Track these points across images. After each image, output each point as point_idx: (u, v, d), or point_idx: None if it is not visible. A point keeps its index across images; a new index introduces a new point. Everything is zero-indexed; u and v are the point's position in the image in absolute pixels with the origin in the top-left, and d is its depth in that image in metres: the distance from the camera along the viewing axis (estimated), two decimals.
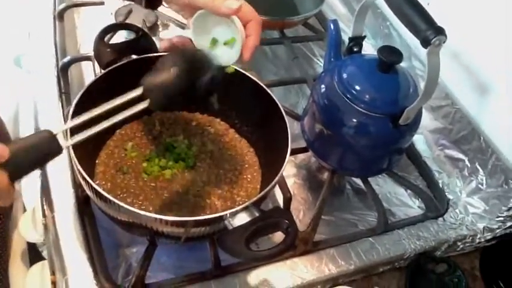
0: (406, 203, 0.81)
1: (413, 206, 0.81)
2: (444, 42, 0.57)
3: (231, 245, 0.50)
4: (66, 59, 0.83)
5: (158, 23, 0.98)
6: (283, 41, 0.96)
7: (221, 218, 0.53)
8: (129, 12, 0.93)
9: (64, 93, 0.79)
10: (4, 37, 0.90)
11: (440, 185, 0.81)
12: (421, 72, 0.87)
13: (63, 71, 0.82)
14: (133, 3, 0.92)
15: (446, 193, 0.81)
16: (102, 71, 0.65)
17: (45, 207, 0.72)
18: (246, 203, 0.54)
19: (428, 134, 0.86)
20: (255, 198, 0.55)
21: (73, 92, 0.82)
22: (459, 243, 0.75)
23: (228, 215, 0.53)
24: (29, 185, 0.82)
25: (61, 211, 0.66)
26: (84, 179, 0.54)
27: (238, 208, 0.54)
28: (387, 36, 0.94)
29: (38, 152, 0.46)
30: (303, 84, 0.92)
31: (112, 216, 0.59)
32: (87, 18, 0.97)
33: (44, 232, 0.73)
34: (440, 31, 0.57)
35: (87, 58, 0.83)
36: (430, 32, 0.57)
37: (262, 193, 0.56)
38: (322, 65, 1.01)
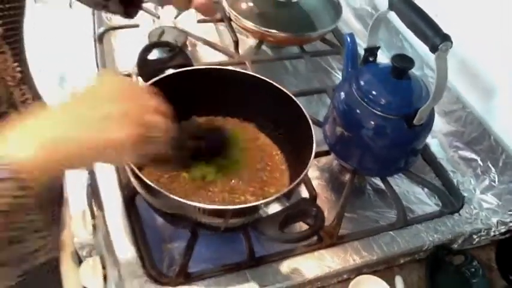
0: (423, 201, 0.87)
1: (431, 204, 0.86)
2: (450, 47, 0.64)
3: (267, 230, 0.57)
4: None
5: (187, 42, 1.07)
6: (303, 55, 1.04)
7: (256, 208, 0.60)
8: (162, 33, 1.02)
9: None
10: (50, 58, 0.99)
11: (455, 184, 0.87)
12: (433, 79, 0.93)
13: None
14: (163, 24, 1.03)
15: (461, 191, 0.86)
16: (145, 84, 0.74)
17: (94, 208, 0.79)
18: (277, 194, 0.61)
19: (442, 137, 0.92)
20: (285, 190, 0.62)
21: None
22: (475, 236, 0.80)
23: (262, 204, 0.60)
24: (74, 194, 0.90)
25: (110, 210, 0.73)
26: (135, 175, 0.61)
27: (270, 198, 0.60)
28: (400, 48, 1.01)
29: None
30: (323, 94, 0.99)
31: (159, 208, 0.66)
32: (123, 40, 1.06)
33: (93, 232, 0.80)
34: (446, 37, 0.64)
35: (127, 75, 0.91)
36: (437, 39, 0.64)
37: (292, 185, 0.62)
38: (339, 76, 1.09)
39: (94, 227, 0.81)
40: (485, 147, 0.85)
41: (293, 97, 0.73)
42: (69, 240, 0.83)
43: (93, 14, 1.07)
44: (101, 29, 1.02)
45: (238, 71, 0.77)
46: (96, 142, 0.49)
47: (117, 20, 1.09)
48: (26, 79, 0.68)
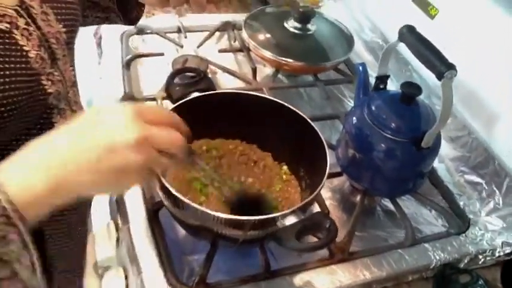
0: (431, 222, 0.91)
1: (437, 225, 0.90)
2: (455, 75, 0.70)
3: (285, 240, 0.61)
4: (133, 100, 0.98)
5: (208, 70, 1.14)
6: (317, 83, 1.10)
7: (274, 219, 0.65)
8: (185, 61, 1.09)
9: None
10: (80, 83, 1.06)
11: (462, 206, 0.91)
12: (439, 107, 0.97)
13: None
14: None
15: (467, 213, 0.90)
16: (172, 105, 0.80)
17: (118, 221, 0.84)
18: (293, 208, 0.65)
19: (449, 162, 0.97)
20: (300, 204, 0.66)
21: None
22: (480, 257, 0.84)
23: (279, 216, 0.65)
24: (98, 208, 0.95)
25: (135, 223, 0.78)
26: (163, 186, 0.66)
27: (287, 211, 0.65)
28: (409, 78, 1.07)
29: None
30: (335, 120, 1.05)
31: (182, 220, 0.71)
32: (148, 67, 1.13)
33: (116, 245, 0.85)
34: (451, 66, 0.69)
35: (153, 99, 0.97)
36: (443, 67, 0.69)
37: (308, 199, 0.67)
38: (351, 104, 1.15)
39: (117, 239, 0.85)
40: (489, 171, 0.89)
41: (309, 120, 0.79)
42: (92, 252, 0.88)
43: (121, 42, 1.15)
44: (128, 57, 1.09)
45: (258, 95, 0.83)
46: (102, 189, 0.52)
47: (143, 48, 1.17)
48: (76, 82, 0.75)
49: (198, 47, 1.16)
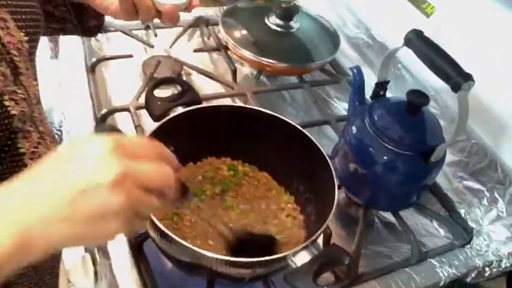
0: (432, 233, 0.86)
1: (440, 236, 0.86)
2: (472, 86, 0.64)
3: (300, 283, 0.54)
4: (104, 111, 0.87)
5: (182, 72, 1.04)
6: (303, 85, 1.02)
7: (285, 258, 0.57)
8: (158, 64, 0.98)
9: None
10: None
11: (463, 215, 0.87)
12: (435, 110, 0.93)
13: (101, 122, 0.86)
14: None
15: (469, 222, 0.86)
16: (151, 124, 0.70)
17: (96, 255, 0.75)
18: (306, 242, 0.58)
19: (445, 167, 0.92)
20: (313, 238, 0.59)
21: None
22: (487, 269, 0.80)
23: (291, 254, 0.57)
24: None
25: (117, 259, 0.69)
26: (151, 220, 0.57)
27: (299, 248, 0.58)
28: (399, 77, 1.01)
29: None
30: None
31: (172, 256, 0.62)
32: (116, 71, 1.02)
33: (95, 279, 0.75)
34: (469, 77, 0.63)
35: (126, 109, 0.87)
36: (460, 79, 0.63)
37: (320, 230, 0.60)
38: (338, 105, 1.08)
39: (96, 274, 0.76)
40: (491, 178, 0.85)
41: (312, 139, 0.71)
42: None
43: (83, 42, 1.03)
44: (93, 60, 0.98)
45: (250, 108, 0.75)
46: (79, 241, 0.42)
47: (109, 48, 1.05)
48: (40, 98, 0.65)
49: (171, 46, 1.06)
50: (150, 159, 0.44)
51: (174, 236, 0.56)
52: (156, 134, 0.67)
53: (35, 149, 0.57)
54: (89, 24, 0.73)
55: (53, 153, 0.43)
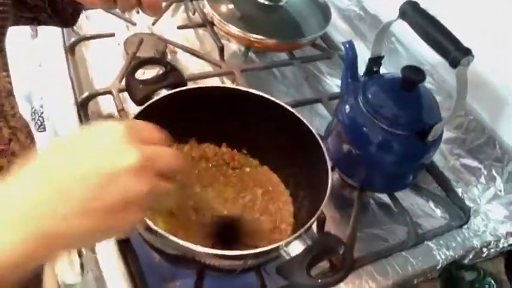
0: (428, 214, 0.84)
1: (436, 216, 0.84)
2: (472, 61, 0.60)
3: (293, 275, 0.51)
4: (85, 95, 0.82)
5: (167, 50, 0.99)
6: (293, 62, 0.98)
7: (277, 249, 0.54)
8: (140, 42, 0.93)
9: None
10: (14, 73, 0.89)
11: (460, 194, 0.84)
12: (431, 85, 0.90)
13: (83, 107, 0.82)
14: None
15: (466, 202, 0.83)
16: (134, 108, 0.66)
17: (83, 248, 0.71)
18: (299, 232, 0.55)
19: (442, 144, 0.88)
20: (306, 226, 0.56)
21: None
22: (485, 250, 0.78)
23: (283, 244, 0.54)
24: None
25: (103, 251, 0.66)
26: None
27: (291, 238, 0.55)
28: (394, 51, 0.97)
29: None
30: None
31: (159, 249, 0.60)
32: (97, 51, 0.97)
33: (81, 272, 0.73)
34: (468, 52, 0.60)
35: (108, 92, 0.82)
36: (458, 53, 0.59)
37: (313, 219, 0.57)
38: (329, 82, 1.04)
39: (82, 266, 0.73)
40: (489, 156, 0.82)
41: (302, 119, 0.67)
42: (53, 282, 0.75)
43: None
44: (72, 40, 0.92)
45: (236, 89, 0.71)
46: (96, 237, 0.40)
47: (88, 27, 1.00)
48: (13, 91, 0.60)
49: (154, 23, 1.01)
50: (159, 142, 0.42)
51: (160, 230, 0.53)
52: (139, 119, 0.63)
53: (5, 146, 0.53)
54: (65, 13, 0.67)
55: (57, 145, 0.40)
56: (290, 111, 0.69)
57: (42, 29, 0.96)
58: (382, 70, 0.79)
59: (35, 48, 0.94)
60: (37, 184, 0.36)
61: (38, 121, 1.00)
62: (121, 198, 0.37)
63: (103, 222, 0.37)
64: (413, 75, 0.68)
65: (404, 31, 0.69)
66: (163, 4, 1.05)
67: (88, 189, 0.36)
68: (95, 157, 0.38)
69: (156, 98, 0.65)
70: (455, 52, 0.60)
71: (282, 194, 0.71)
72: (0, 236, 0.34)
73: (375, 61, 0.76)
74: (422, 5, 0.67)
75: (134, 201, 0.38)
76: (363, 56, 0.79)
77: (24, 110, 0.97)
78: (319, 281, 0.50)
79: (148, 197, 0.39)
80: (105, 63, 0.94)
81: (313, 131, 0.67)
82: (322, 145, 0.65)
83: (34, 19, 0.65)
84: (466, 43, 0.62)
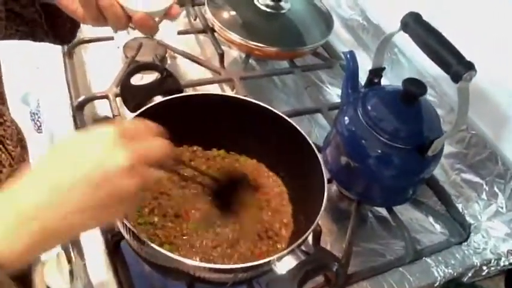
0: (428, 229, 0.82)
1: (436, 232, 0.82)
2: (474, 76, 0.59)
3: None
4: (81, 98, 0.81)
5: (167, 55, 0.98)
6: (294, 70, 0.97)
7: (268, 263, 0.53)
8: (140, 47, 0.92)
9: None
10: (12, 75, 0.88)
11: (461, 210, 0.82)
12: (432, 98, 0.88)
13: (78, 110, 0.81)
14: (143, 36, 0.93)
15: (466, 217, 0.81)
16: (130, 114, 0.65)
17: (72, 254, 0.70)
18: (291, 247, 0.54)
19: (443, 158, 0.86)
20: (299, 241, 0.55)
21: None
22: (484, 268, 0.76)
23: (275, 259, 0.53)
24: None
25: (92, 259, 0.64)
26: (123, 223, 0.53)
27: (284, 252, 0.53)
28: (396, 63, 0.96)
29: None
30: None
31: (149, 260, 0.58)
32: (94, 53, 0.96)
33: (70, 279, 0.71)
34: (470, 66, 0.58)
35: (105, 97, 0.81)
36: (460, 68, 0.58)
37: (306, 234, 0.56)
38: (330, 91, 1.03)
39: (71, 273, 0.71)
40: (491, 171, 0.80)
41: (302, 132, 0.66)
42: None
43: None
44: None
45: (233, 97, 0.70)
46: (92, 225, 0.45)
47: (88, 30, 0.99)
48: (3, 98, 0.60)
49: None
50: (147, 137, 0.47)
51: (149, 242, 0.52)
52: None
53: None
54: (63, 28, 0.64)
55: (52, 152, 0.44)
56: (287, 121, 0.67)
57: None
58: (384, 81, 0.78)
59: (32, 50, 0.93)
60: (38, 188, 0.41)
61: (38, 122, 0.99)
62: (116, 195, 0.42)
63: (99, 217, 0.43)
64: (414, 88, 0.67)
65: (407, 43, 0.68)
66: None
67: (85, 190, 0.41)
68: (89, 161, 0.42)
69: (150, 104, 0.63)
70: (457, 66, 0.58)
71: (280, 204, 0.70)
72: (7, 236, 0.38)
73: (376, 72, 0.74)
74: (425, 17, 0.66)
75: (127, 195, 0.43)
76: (365, 66, 0.77)
77: (21, 112, 0.97)
78: None
79: (140, 189, 0.44)
80: (104, 67, 0.93)
81: (311, 142, 0.65)
82: (319, 157, 0.64)
83: (30, 34, 0.62)
84: (468, 57, 0.60)
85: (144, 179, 0.44)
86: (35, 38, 0.64)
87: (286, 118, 0.66)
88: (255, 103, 0.67)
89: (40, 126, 0.98)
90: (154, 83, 0.66)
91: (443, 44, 0.60)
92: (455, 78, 0.59)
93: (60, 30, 0.63)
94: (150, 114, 0.63)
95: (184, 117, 0.67)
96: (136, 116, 0.62)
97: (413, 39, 0.64)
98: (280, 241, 0.66)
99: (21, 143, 0.62)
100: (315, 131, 0.93)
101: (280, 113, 0.67)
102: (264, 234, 0.65)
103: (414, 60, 0.93)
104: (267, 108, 0.67)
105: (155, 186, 0.66)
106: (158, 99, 0.66)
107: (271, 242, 0.66)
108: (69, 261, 0.71)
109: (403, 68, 0.94)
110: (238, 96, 0.69)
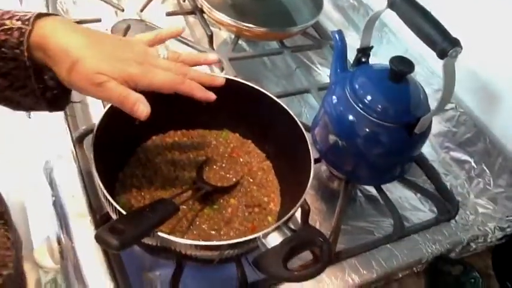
0: (417, 207, 0.83)
1: (425, 210, 0.82)
2: (460, 53, 0.59)
3: (269, 267, 0.50)
4: None
5: None
6: (283, 50, 0.96)
7: (255, 240, 0.53)
8: (128, 28, 0.92)
9: (70, 116, 0.78)
10: None
11: (449, 188, 0.83)
12: (420, 76, 0.88)
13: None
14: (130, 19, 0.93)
15: (455, 195, 0.82)
16: None
17: (62, 235, 0.70)
18: (277, 223, 0.54)
19: (432, 137, 0.88)
20: (285, 218, 0.55)
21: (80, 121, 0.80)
22: (472, 244, 0.77)
23: (261, 236, 0.53)
24: (37, 217, 0.80)
25: (81, 240, 0.64)
26: (108, 202, 0.53)
27: (270, 229, 0.54)
28: (385, 41, 0.95)
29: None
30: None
31: None
32: None
33: (61, 259, 0.72)
34: (456, 43, 0.58)
35: None
36: (446, 44, 0.58)
37: (292, 211, 0.56)
38: (320, 72, 1.03)
39: (61, 253, 0.72)
40: (479, 149, 0.81)
41: (290, 111, 0.66)
42: (33, 269, 0.74)
43: (47, 6, 0.96)
44: None
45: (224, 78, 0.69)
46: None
47: (75, 12, 0.99)
48: None
49: (142, 10, 0.99)
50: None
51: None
52: (117, 109, 0.62)
53: None
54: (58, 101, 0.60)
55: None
56: (276, 101, 0.67)
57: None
58: (375, 61, 0.78)
59: None
60: (82, 33, 0.52)
61: None
62: (132, 57, 0.54)
63: (120, 67, 0.52)
64: (402, 66, 0.67)
65: (396, 21, 0.68)
66: None
67: (113, 45, 0.54)
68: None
69: None
70: (443, 43, 0.58)
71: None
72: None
73: (364, 51, 0.74)
74: None
75: (143, 60, 0.54)
76: (356, 46, 0.77)
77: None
78: (295, 273, 0.49)
79: (146, 59, 0.55)
80: None
81: (297, 120, 0.65)
82: (306, 135, 0.64)
83: (31, 108, 0.60)
84: (456, 34, 0.60)
85: (152, 54, 0.57)
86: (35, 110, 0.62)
87: (273, 97, 0.66)
88: (242, 83, 0.67)
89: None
90: None
91: (429, 21, 0.60)
92: (441, 54, 0.59)
93: (58, 103, 0.60)
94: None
95: (172, 98, 0.67)
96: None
97: (400, 17, 0.64)
98: (271, 214, 0.67)
99: None
100: (305, 111, 0.93)
101: (266, 92, 0.67)
102: (254, 208, 0.65)
103: (403, 39, 0.93)
104: (256, 88, 0.67)
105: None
106: None
107: (261, 216, 0.67)
108: (59, 242, 0.72)
109: (393, 47, 0.94)
110: (227, 76, 0.69)
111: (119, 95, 0.52)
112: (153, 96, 0.62)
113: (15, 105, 0.57)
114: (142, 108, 0.52)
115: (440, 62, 0.60)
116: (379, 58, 0.93)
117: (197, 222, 0.63)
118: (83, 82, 0.51)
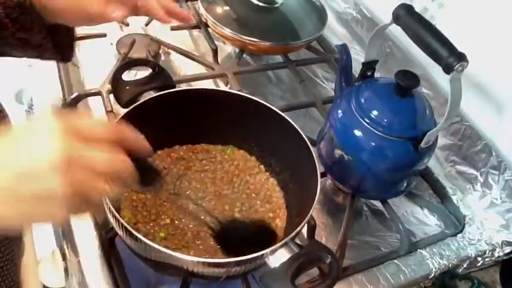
0: (423, 221, 0.82)
1: (431, 224, 0.82)
2: (466, 67, 0.58)
3: (276, 284, 0.50)
4: (74, 95, 0.81)
5: (160, 51, 0.98)
6: (288, 64, 0.96)
7: (262, 256, 0.53)
8: (133, 43, 0.92)
9: None
10: (5, 73, 0.88)
11: (455, 202, 0.82)
12: (426, 90, 0.88)
13: (71, 107, 0.81)
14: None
15: (461, 209, 0.82)
16: (123, 110, 0.65)
17: (66, 251, 0.70)
18: (285, 240, 0.54)
19: (437, 150, 0.87)
20: (292, 234, 0.55)
21: None
22: (479, 259, 0.76)
23: (268, 252, 0.53)
24: (42, 232, 0.80)
25: (86, 255, 0.64)
26: (114, 217, 0.53)
27: (277, 245, 0.53)
28: (390, 55, 0.96)
29: None
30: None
31: (142, 255, 0.58)
32: (88, 51, 0.95)
33: (65, 276, 0.71)
34: (462, 57, 0.58)
35: (97, 93, 0.81)
36: (452, 59, 0.58)
37: (299, 228, 0.56)
38: (325, 86, 1.03)
39: (66, 270, 0.71)
40: (486, 163, 0.80)
41: (296, 126, 0.66)
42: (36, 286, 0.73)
43: None
44: None
45: (225, 92, 0.70)
46: (31, 220, 0.43)
47: (81, 28, 0.98)
48: None
49: (147, 24, 0.99)
50: (106, 143, 0.41)
51: (140, 236, 0.52)
52: (124, 121, 0.62)
53: None
54: (64, 47, 0.64)
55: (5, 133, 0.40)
56: (282, 116, 0.67)
57: None
58: (380, 75, 0.78)
59: None
60: None
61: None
62: (43, 192, 0.38)
63: (27, 209, 0.39)
64: (407, 80, 0.67)
65: (401, 35, 0.68)
66: None
67: (9, 178, 0.38)
68: (20, 150, 0.38)
69: (141, 100, 0.63)
70: (449, 57, 0.58)
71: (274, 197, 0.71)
72: None
73: (369, 65, 0.74)
74: (417, 9, 0.65)
75: (54, 197, 0.38)
76: (360, 60, 0.77)
77: (15, 110, 0.97)
78: None
79: (70, 195, 0.38)
80: (97, 64, 0.93)
81: (303, 135, 0.65)
82: (312, 150, 0.64)
83: (37, 56, 0.63)
84: (461, 48, 0.60)
85: (79, 184, 0.38)
86: (42, 58, 0.63)
87: (278, 111, 0.66)
88: (248, 97, 0.67)
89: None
90: (146, 79, 0.66)
91: (435, 35, 0.60)
92: (447, 69, 0.58)
93: (63, 48, 0.62)
94: (142, 110, 0.64)
95: (177, 113, 0.67)
96: (127, 112, 0.62)
97: (405, 31, 0.64)
98: (276, 231, 0.67)
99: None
100: (310, 125, 0.93)
101: (272, 107, 0.67)
102: (259, 225, 0.65)
103: (408, 53, 0.93)
104: (261, 103, 0.67)
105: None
106: (150, 94, 0.65)
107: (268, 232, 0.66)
108: (64, 258, 0.72)
109: (397, 61, 0.94)
110: (232, 90, 0.69)
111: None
112: (159, 111, 0.63)
113: (26, 45, 0.59)
114: None
115: (445, 76, 0.60)
116: (384, 72, 0.94)
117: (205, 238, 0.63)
118: None
